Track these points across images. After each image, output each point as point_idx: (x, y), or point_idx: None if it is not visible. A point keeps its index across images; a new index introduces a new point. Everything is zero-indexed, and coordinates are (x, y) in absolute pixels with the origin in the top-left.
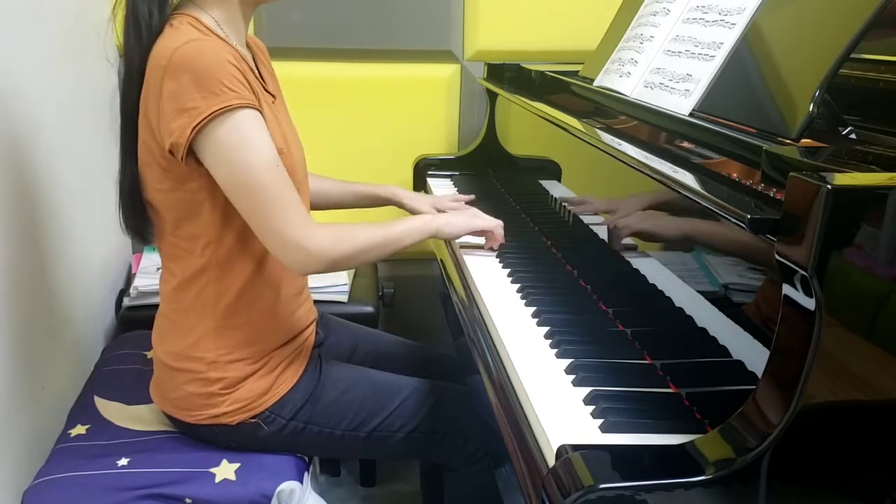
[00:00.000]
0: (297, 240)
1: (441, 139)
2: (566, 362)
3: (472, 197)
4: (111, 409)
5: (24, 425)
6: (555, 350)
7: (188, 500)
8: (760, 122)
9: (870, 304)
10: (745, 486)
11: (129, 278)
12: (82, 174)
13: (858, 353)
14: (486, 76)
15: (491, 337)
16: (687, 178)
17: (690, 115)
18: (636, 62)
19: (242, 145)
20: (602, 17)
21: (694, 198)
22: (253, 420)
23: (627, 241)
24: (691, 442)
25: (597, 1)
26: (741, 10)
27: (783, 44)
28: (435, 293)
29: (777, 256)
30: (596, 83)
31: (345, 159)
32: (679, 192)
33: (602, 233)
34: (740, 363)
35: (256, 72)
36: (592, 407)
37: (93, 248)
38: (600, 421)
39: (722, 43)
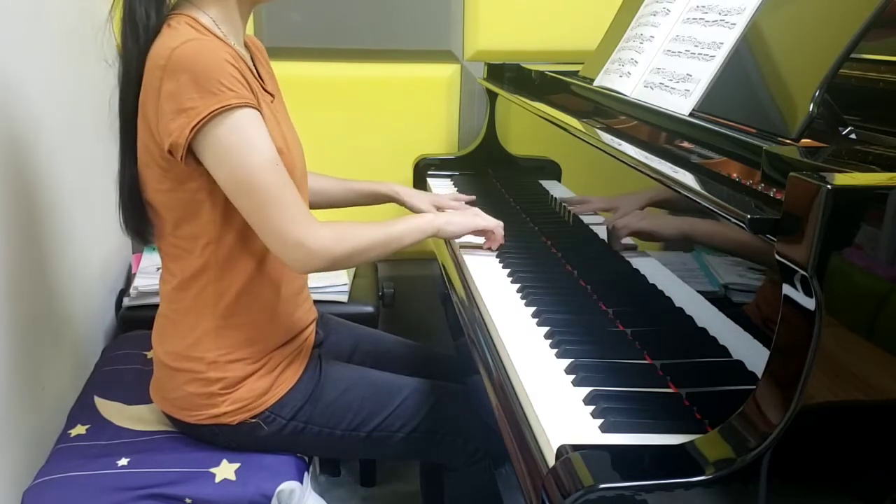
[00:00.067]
0: (298, 238)
1: (441, 139)
2: (566, 362)
3: (473, 198)
4: (111, 409)
5: (24, 425)
6: (555, 350)
7: (188, 500)
8: (760, 122)
9: (870, 304)
10: (745, 486)
11: (129, 278)
12: (82, 174)
13: (858, 353)
14: (486, 76)
15: (491, 337)
16: (687, 178)
17: (690, 115)
18: (636, 62)
19: (242, 145)
20: (602, 17)
21: (694, 198)
22: (253, 420)
23: (627, 241)
24: (691, 442)
25: (597, 1)
26: (741, 10)
27: (783, 44)
28: (435, 293)
29: (777, 256)
30: (596, 83)
31: (345, 159)
32: (679, 192)
33: (602, 233)
34: (740, 363)
35: (255, 71)
36: (592, 407)
37: (93, 248)
38: (600, 421)
39: (722, 43)
